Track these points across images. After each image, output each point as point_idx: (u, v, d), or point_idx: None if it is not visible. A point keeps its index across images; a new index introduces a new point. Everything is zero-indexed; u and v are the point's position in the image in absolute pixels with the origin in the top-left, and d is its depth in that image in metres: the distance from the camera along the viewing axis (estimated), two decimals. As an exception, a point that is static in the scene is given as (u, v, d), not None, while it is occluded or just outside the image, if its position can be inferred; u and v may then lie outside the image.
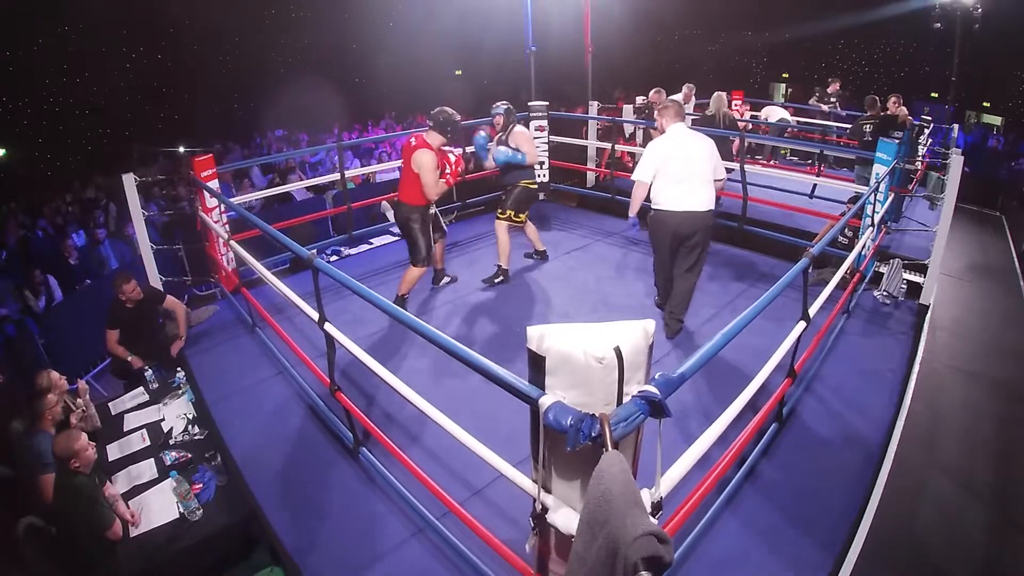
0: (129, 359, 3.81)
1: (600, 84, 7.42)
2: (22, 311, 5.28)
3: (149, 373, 3.72)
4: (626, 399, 1.30)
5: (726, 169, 5.72)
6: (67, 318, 5.05)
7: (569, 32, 7.84)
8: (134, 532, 2.60)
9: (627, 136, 7.73)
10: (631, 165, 6.40)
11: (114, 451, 3.16)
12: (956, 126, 8.45)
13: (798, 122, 8.81)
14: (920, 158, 6.61)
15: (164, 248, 4.72)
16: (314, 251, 2.57)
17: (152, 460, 3.04)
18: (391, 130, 11.37)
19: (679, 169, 3.45)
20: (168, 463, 2.99)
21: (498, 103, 4.54)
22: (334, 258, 5.38)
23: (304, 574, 2.21)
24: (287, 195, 7.22)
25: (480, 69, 14.50)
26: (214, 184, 4.46)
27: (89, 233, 6.75)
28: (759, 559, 2.19)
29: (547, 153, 6.30)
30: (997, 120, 11.78)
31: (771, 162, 8.31)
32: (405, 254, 5.29)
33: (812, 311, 2.56)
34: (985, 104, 11.98)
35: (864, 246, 3.99)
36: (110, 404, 3.62)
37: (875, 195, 4.02)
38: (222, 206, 4.36)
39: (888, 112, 6.31)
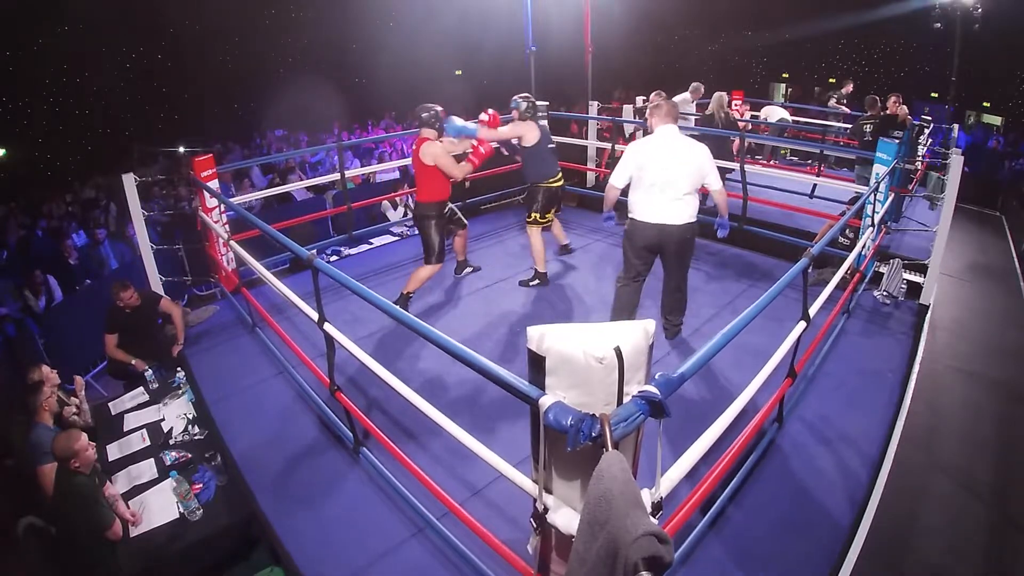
0: (132, 362, 3.81)
1: (600, 84, 7.41)
2: (22, 311, 5.28)
3: (149, 373, 3.71)
4: (626, 399, 1.30)
5: (726, 169, 5.79)
6: (67, 318, 5.05)
7: (569, 32, 7.84)
8: (134, 532, 2.60)
9: (626, 136, 7.73)
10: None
11: (114, 451, 3.16)
12: (956, 126, 8.44)
13: (795, 122, 8.80)
14: (920, 158, 6.61)
15: (164, 248, 4.72)
16: (314, 251, 2.58)
17: (152, 460, 3.04)
18: (391, 130, 11.36)
19: (656, 176, 3.14)
20: (168, 463, 2.99)
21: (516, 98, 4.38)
22: (334, 258, 5.38)
23: (304, 574, 2.21)
24: (287, 195, 7.22)
25: (480, 69, 14.50)
26: (214, 184, 4.46)
27: (89, 233, 6.75)
28: (759, 559, 2.19)
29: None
30: (997, 120, 11.77)
31: (771, 162, 8.31)
32: (405, 254, 5.34)
33: (812, 311, 2.56)
34: (985, 104, 11.98)
35: (864, 246, 3.99)
36: (110, 404, 3.62)
37: (875, 195, 4.02)
38: (222, 206, 4.36)
39: (888, 112, 6.30)
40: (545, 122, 4.41)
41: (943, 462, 2.96)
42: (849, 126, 8.11)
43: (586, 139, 6.89)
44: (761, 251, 5.10)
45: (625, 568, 0.94)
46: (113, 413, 3.52)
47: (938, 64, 10.97)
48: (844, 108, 8.53)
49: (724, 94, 6.18)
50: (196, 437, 3.18)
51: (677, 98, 7.37)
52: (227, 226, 4.41)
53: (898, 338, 3.81)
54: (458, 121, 4.00)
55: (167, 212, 6.82)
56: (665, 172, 3.13)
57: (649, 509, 1.36)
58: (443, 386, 3.19)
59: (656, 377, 1.36)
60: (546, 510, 1.48)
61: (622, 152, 5.75)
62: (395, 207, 6.82)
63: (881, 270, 4.49)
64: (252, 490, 2.63)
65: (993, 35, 9.51)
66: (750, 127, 8.19)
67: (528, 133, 4.25)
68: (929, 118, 7.28)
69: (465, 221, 4.48)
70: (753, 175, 5.39)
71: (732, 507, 2.39)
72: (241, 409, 3.21)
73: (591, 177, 6.85)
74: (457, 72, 15.41)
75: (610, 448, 1.14)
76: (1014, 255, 6.54)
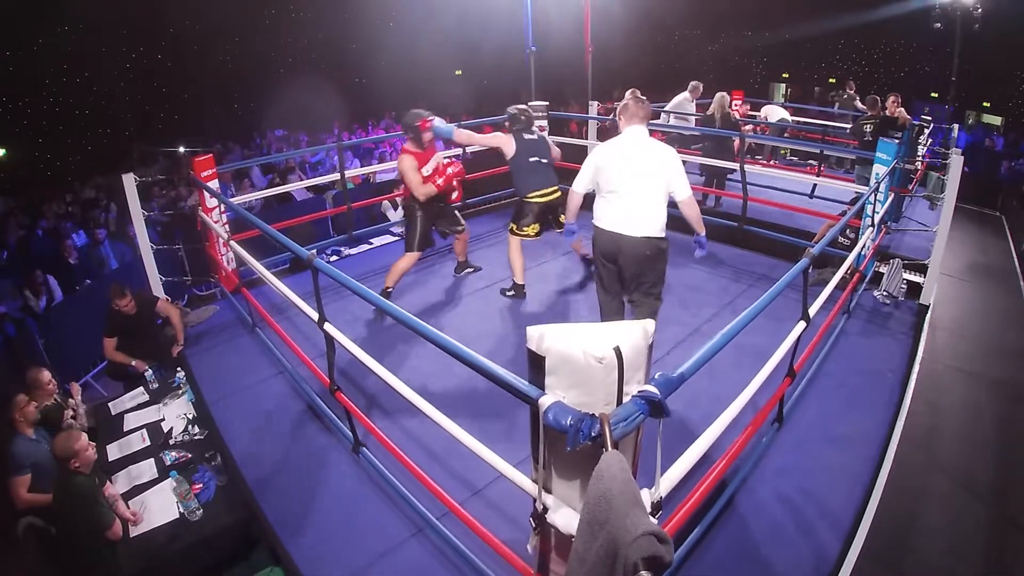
0: (133, 363, 3.81)
1: (600, 84, 7.42)
2: (22, 310, 5.28)
3: (149, 373, 3.72)
4: (626, 399, 1.30)
5: (727, 169, 5.80)
6: (67, 318, 5.05)
7: (569, 32, 7.84)
8: (134, 532, 2.60)
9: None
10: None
11: (114, 451, 3.16)
12: (956, 126, 8.45)
13: (796, 122, 8.80)
14: (920, 158, 6.61)
15: (164, 248, 4.72)
16: (314, 251, 2.57)
17: (152, 460, 3.04)
18: (391, 130, 11.36)
19: (616, 181, 2.89)
20: (168, 463, 2.99)
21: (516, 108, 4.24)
22: (334, 258, 5.38)
23: (304, 574, 2.21)
24: (287, 195, 7.22)
25: (480, 69, 14.52)
26: (214, 184, 4.46)
27: (89, 233, 6.75)
28: (759, 559, 2.19)
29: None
30: (997, 120, 11.78)
31: (771, 162, 8.31)
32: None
33: (812, 311, 2.56)
34: (985, 104, 11.99)
35: (864, 246, 3.99)
36: (110, 404, 3.62)
37: (875, 195, 4.02)
38: (222, 206, 4.36)
39: (887, 113, 6.29)
40: (534, 135, 4.16)
41: (943, 462, 2.96)
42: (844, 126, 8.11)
43: (586, 139, 6.89)
44: (761, 251, 5.09)
45: (625, 568, 0.94)
46: (113, 413, 3.52)
47: (938, 64, 10.99)
48: (859, 104, 8.47)
49: (725, 94, 6.17)
50: (196, 437, 3.18)
51: (677, 98, 7.38)
52: (227, 226, 4.41)
53: (898, 338, 3.81)
54: (440, 122, 4.04)
55: (167, 212, 6.82)
56: (625, 177, 2.87)
57: (649, 509, 1.37)
58: (443, 386, 3.19)
59: (656, 377, 1.36)
60: (546, 510, 1.48)
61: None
62: (395, 207, 6.82)
63: (881, 270, 4.49)
64: (252, 490, 2.63)
65: (993, 35, 9.52)
66: (747, 127, 8.19)
67: (505, 146, 4.08)
68: (929, 118, 7.28)
69: (464, 224, 4.47)
70: (753, 175, 5.39)
71: (732, 507, 2.39)
72: (241, 409, 3.21)
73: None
74: (457, 72, 15.41)
75: (610, 448, 1.14)
76: (1014, 255, 6.54)
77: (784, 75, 14.81)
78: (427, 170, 3.99)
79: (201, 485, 2.80)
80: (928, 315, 4.04)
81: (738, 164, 5.19)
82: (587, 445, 1.18)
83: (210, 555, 2.60)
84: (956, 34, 8.87)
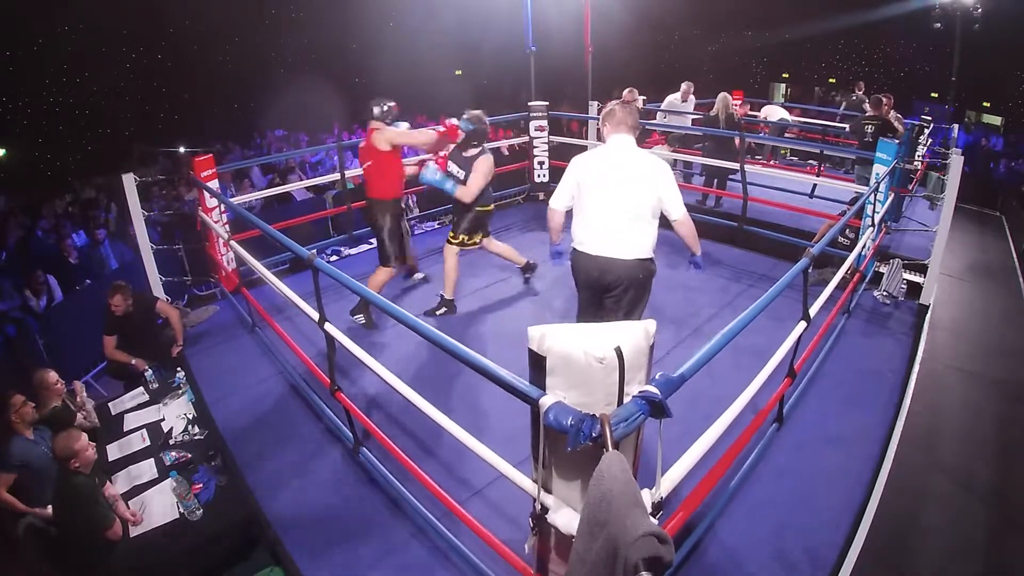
0: (133, 362, 3.81)
1: (600, 84, 7.42)
2: (21, 310, 5.27)
3: (149, 373, 3.71)
4: (627, 399, 1.30)
5: (728, 169, 5.79)
6: (67, 318, 5.05)
7: (569, 32, 7.84)
8: (134, 532, 2.60)
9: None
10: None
11: (114, 451, 3.16)
12: (956, 126, 8.45)
13: (795, 122, 8.79)
14: (920, 158, 6.60)
15: (164, 248, 4.72)
16: (314, 251, 2.57)
17: (152, 460, 3.04)
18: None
19: (600, 197, 2.56)
20: (168, 463, 2.98)
21: (470, 114, 3.92)
22: (334, 258, 5.38)
23: (304, 574, 2.21)
24: (287, 195, 7.22)
25: (480, 69, 14.53)
26: (214, 184, 4.46)
27: (89, 233, 6.75)
28: (759, 559, 2.19)
29: (547, 153, 6.31)
30: (997, 120, 11.79)
31: (771, 162, 8.30)
32: (405, 254, 5.34)
33: (812, 311, 2.57)
34: (985, 104, 12.00)
35: (864, 246, 3.99)
36: (110, 404, 3.61)
37: (875, 195, 4.02)
38: (222, 206, 4.36)
39: (875, 114, 6.15)
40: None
41: (943, 462, 2.96)
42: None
43: (586, 139, 6.89)
44: (761, 251, 5.10)
45: (625, 568, 0.94)
46: (113, 413, 3.52)
47: (938, 64, 10.99)
48: (867, 107, 8.43)
49: (728, 95, 6.17)
50: (196, 437, 3.17)
51: (668, 98, 7.38)
52: (227, 226, 4.41)
53: (898, 338, 3.81)
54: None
55: (167, 212, 6.81)
56: (613, 193, 2.54)
57: (649, 509, 1.37)
58: (443, 386, 3.19)
59: (656, 377, 1.36)
60: (545, 510, 1.48)
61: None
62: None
63: (881, 270, 4.49)
64: (252, 490, 2.63)
65: (993, 35, 9.52)
66: (757, 129, 8.18)
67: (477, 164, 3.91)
68: (929, 118, 7.27)
69: (410, 227, 4.37)
70: (753, 175, 5.39)
71: (732, 507, 2.39)
72: (241, 409, 3.21)
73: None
74: (457, 72, 15.41)
75: (610, 448, 1.14)
76: (1014, 255, 6.55)
77: (784, 75, 14.82)
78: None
79: (201, 485, 2.80)
80: (928, 315, 4.04)
81: (738, 164, 5.19)
82: (588, 445, 1.18)
83: (210, 555, 2.60)
84: (956, 34, 8.87)
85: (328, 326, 2.47)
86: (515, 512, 2.30)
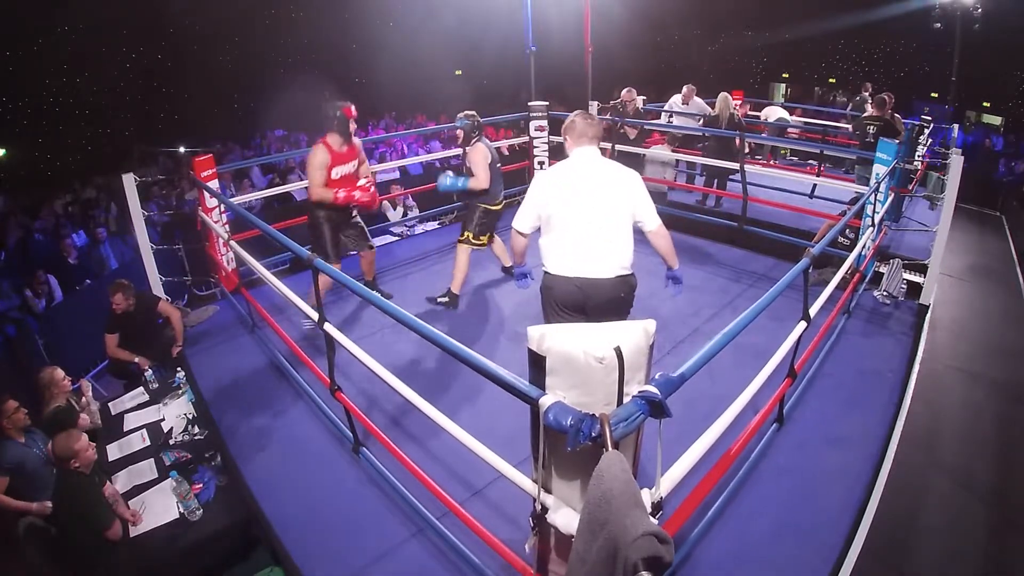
0: (136, 360, 3.81)
1: (600, 84, 7.41)
2: (21, 310, 5.28)
3: (149, 373, 3.72)
4: (626, 399, 1.30)
5: (729, 169, 5.79)
6: (67, 318, 5.05)
7: (569, 32, 7.83)
8: (134, 532, 2.60)
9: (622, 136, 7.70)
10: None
11: (114, 451, 3.17)
12: (956, 126, 8.45)
13: (796, 122, 8.78)
14: (920, 158, 6.60)
15: (164, 248, 4.72)
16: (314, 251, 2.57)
17: (152, 460, 3.04)
18: (391, 130, 11.36)
19: (571, 214, 2.38)
20: (168, 463, 2.99)
21: (462, 113, 4.08)
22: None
23: (304, 574, 2.21)
24: (287, 195, 7.22)
25: (480, 69, 14.52)
26: (214, 184, 4.46)
27: (89, 233, 6.75)
28: (759, 559, 2.19)
29: (547, 153, 6.30)
30: (997, 120, 11.79)
31: (772, 162, 8.30)
32: (406, 254, 5.34)
33: (812, 311, 2.56)
34: (985, 104, 12.00)
35: (864, 246, 3.99)
36: (110, 404, 3.62)
37: (875, 195, 4.02)
38: (222, 206, 4.36)
39: (877, 114, 6.18)
40: (487, 139, 4.08)
41: (943, 462, 2.96)
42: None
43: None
44: (761, 251, 5.09)
45: (625, 568, 0.94)
46: (113, 413, 3.52)
47: (938, 64, 10.99)
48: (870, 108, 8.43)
49: (728, 95, 6.18)
50: (196, 437, 3.18)
51: (672, 99, 7.38)
52: (227, 226, 4.41)
53: (898, 338, 3.80)
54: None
55: (167, 212, 6.82)
56: (583, 207, 2.38)
57: (649, 509, 1.37)
58: (443, 386, 3.19)
59: (656, 377, 1.36)
60: (545, 510, 1.48)
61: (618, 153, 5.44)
62: (395, 207, 6.83)
63: (881, 270, 4.49)
64: (252, 490, 2.62)
65: (993, 35, 9.52)
66: (755, 127, 8.18)
67: (485, 158, 3.99)
68: (929, 118, 7.27)
69: (372, 243, 4.13)
70: (753, 175, 5.39)
71: (732, 507, 2.39)
72: (241, 409, 3.21)
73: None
74: (457, 72, 15.42)
75: (610, 448, 1.14)
76: (1014, 255, 6.55)
77: (784, 75, 14.82)
78: (339, 173, 3.62)
79: (201, 485, 2.80)
80: (928, 315, 4.04)
81: (739, 164, 5.19)
82: (587, 445, 1.18)
83: (210, 555, 2.60)
84: (956, 34, 8.87)
85: (328, 326, 2.47)
86: (515, 512, 2.30)
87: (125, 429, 3.35)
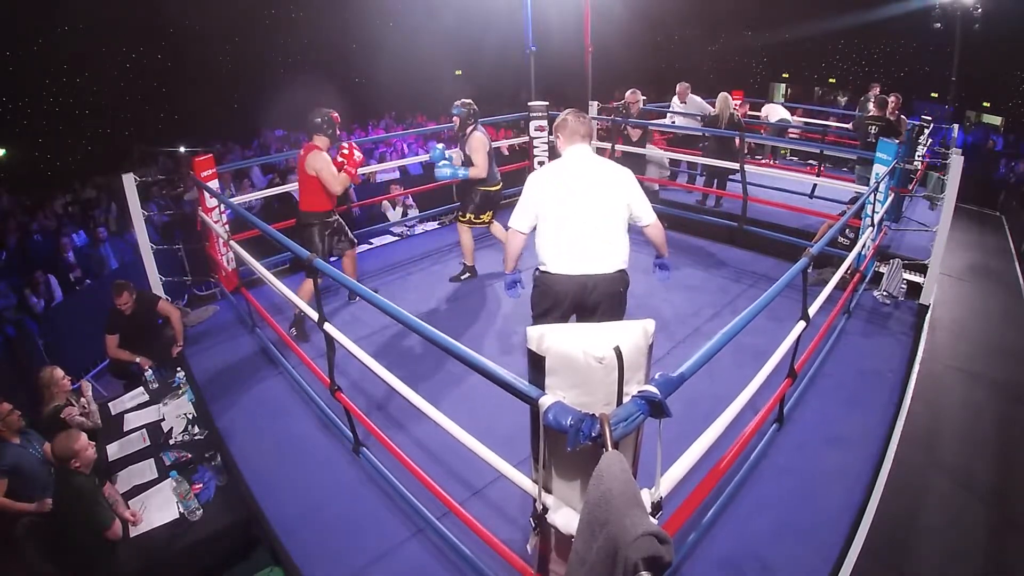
0: (137, 360, 3.81)
1: (600, 84, 7.41)
2: (21, 310, 5.28)
3: (149, 373, 3.72)
4: (626, 399, 1.30)
5: (729, 169, 5.79)
6: (67, 318, 5.05)
7: (569, 32, 7.83)
8: (134, 532, 2.60)
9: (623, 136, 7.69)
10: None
11: (114, 451, 3.17)
12: (956, 126, 8.44)
13: (797, 122, 8.78)
14: (920, 158, 6.60)
15: (164, 248, 4.72)
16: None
17: (152, 460, 3.04)
18: (391, 130, 11.37)
19: (570, 212, 2.41)
20: (168, 463, 2.99)
21: (458, 101, 4.24)
22: (333, 258, 5.37)
23: (304, 574, 2.21)
24: (287, 195, 7.21)
25: (480, 69, 14.49)
26: (214, 184, 4.46)
27: (89, 233, 6.75)
28: (759, 559, 2.19)
29: (547, 153, 6.30)
30: (997, 120, 11.78)
31: (772, 162, 8.30)
32: (406, 254, 5.34)
33: (812, 311, 2.56)
34: (985, 104, 11.99)
35: (864, 246, 3.99)
36: (110, 404, 3.62)
37: (875, 195, 4.02)
38: (222, 206, 4.36)
39: (879, 114, 6.18)
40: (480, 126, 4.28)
41: (943, 462, 2.95)
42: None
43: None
44: (761, 251, 5.10)
45: (625, 568, 0.94)
46: (113, 413, 3.52)
47: (938, 64, 10.98)
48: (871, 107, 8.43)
49: (728, 95, 6.17)
50: (196, 437, 3.18)
51: (674, 100, 7.38)
52: (227, 226, 4.41)
53: (898, 338, 3.80)
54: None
55: (167, 212, 6.82)
56: (580, 205, 2.40)
57: (649, 509, 1.37)
58: (443, 386, 3.19)
59: (656, 377, 1.36)
60: (546, 510, 1.48)
61: (619, 152, 5.50)
62: (395, 207, 6.82)
63: (881, 270, 4.49)
64: (252, 490, 2.62)
65: (993, 35, 9.52)
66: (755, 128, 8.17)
67: (485, 145, 4.21)
68: (929, 118, 7.26)
69: (354, 240, 4.15)
70: (753, 175, 5.39)
71: (732, 507, 2.39)
72: (241, 409, 3.21)
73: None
74: (457, 72, 15.41)
75: (610, 448, 1.14)
76: (1014, 255, 6.55)
77: (784, 75, 14.81)
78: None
79: (201, 485, 2.80)
80: (928, 315, 4.04)
81: (739, 164, 5.19)
82: (587, 445, 1.18)
83: (210, 555, 2.60)
84: (956, 34, 8.87)
85: (328, 326, 2.47)
86: (515, 512, 2.30)
87: (125, 429, 3.35)
